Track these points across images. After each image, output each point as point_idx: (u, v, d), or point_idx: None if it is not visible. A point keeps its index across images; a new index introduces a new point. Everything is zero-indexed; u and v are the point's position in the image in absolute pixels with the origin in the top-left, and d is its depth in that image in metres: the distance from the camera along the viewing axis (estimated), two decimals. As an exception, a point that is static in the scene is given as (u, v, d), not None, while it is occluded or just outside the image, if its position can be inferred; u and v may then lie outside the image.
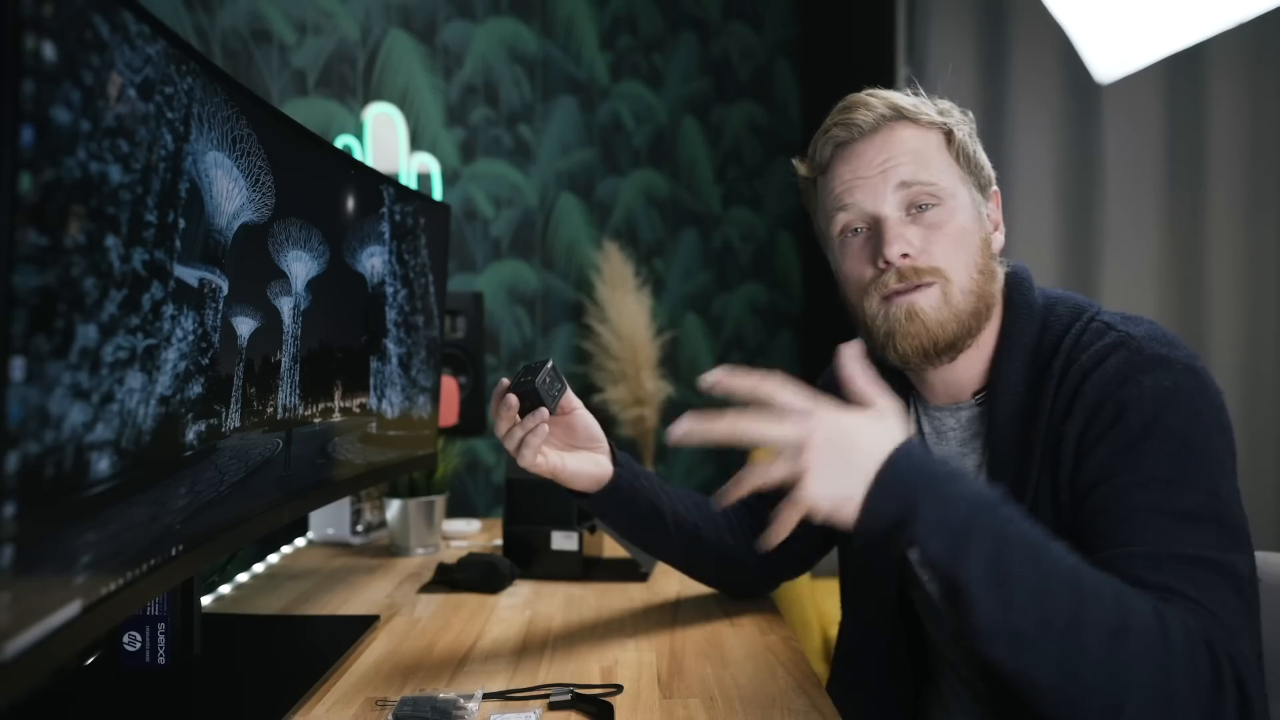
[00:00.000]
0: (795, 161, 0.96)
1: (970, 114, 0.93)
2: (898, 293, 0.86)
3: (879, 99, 0.89)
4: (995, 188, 0.94)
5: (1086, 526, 0.78)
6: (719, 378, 0.69)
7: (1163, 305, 2.45)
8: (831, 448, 0.66)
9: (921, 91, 0.93)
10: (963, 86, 2.56)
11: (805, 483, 0.65)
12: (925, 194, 0.86)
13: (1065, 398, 0.82)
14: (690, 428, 0.68)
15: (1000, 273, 0.92)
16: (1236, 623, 0.69)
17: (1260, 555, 0.99)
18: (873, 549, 0.89)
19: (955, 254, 0.86)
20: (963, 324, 0.87)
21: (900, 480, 0.66)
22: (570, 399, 0.96)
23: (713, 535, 1.08)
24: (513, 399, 0.89)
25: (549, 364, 0.91)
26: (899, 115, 0.89)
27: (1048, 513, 0.82)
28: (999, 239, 0.93)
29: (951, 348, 0.87)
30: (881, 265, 0.86)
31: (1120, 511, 0.75)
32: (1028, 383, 0.87)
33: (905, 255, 0.86)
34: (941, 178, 0.87)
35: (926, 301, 0.86)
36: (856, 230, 0.89)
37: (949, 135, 0.89)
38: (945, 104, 0.92)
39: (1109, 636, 0.63)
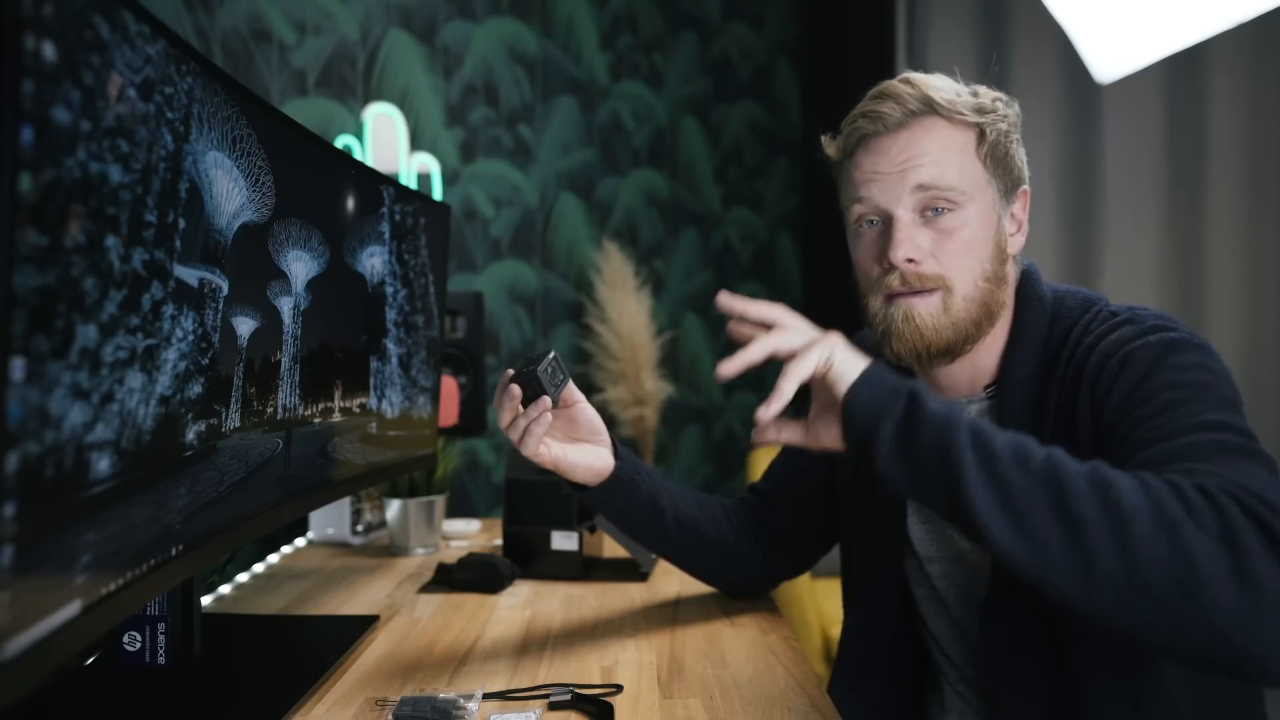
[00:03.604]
0: (824, 139, 0.95)
1: (1016, 105, 0.91)
2: (899, 294, 0.87)
3: (914, 89, 0.87)
4: (1026, 186, 0.92)
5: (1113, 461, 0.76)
6: (729, 300, 0.80)
7: (1163, 305, 2.45)
8: (844, 346, 0.75)
9: (960, 80, 0.90)
10: (963, 86, 2.55)
11: (823, 345, 0.74)
12: (941, 199, 0.86)
13: (1072, 377, 0.84)
14: (732, 364, 0.75)
15: (1014, 275, 0.92)
16: (1257, 478, 0.65)
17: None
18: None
19: (962, 262, 0.86)
20: (960, 332, 0.87)
21: (893, 377, 0.74)
22: (573, 391, 0.96)
23: (713, 533, 1.08)
24: (515, 389, 0.90)
25: (551, 354, 0.92)
26: (931, 110, 0.86)
27: None
28: (1019, 241, 0.92)
29: (946, 353, 0.88)
30: (886, 265, 0.87)
31: (1139, 438, 0.74)
32: (1037, 375, 0.88)
33: (911, 260, 0.86)
34: (962, 182, 0.86)
35: (925, 307, 0.86)
36: (872, 222, 0.89)
37: (981, 134, 0.87)
38: (988, 97, 0.89)
39: (1096, 490, 0.64)
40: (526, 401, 0.90)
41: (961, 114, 0.87)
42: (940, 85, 0.88)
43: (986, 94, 0.89)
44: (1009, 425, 0.86)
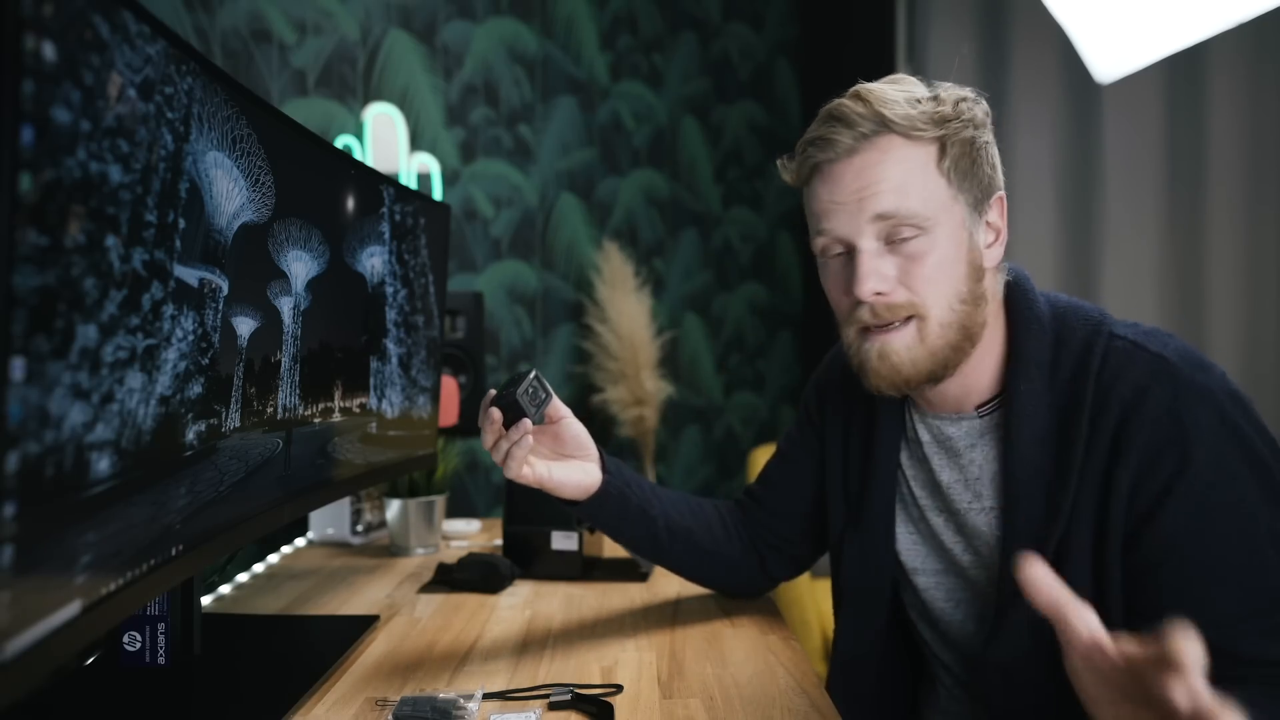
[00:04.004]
0: (781, 162, 0.90)
1: (984, 101, 0.86)
2: (872, 329, 0.85)
3: (867, 108, 0.82)
4: (1000, 193, 0.87)
5: (1165, 589, 0.76)
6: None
7: (1163, 305, 2.45)
8: None
9: (922, 86, 0.85)
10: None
11: None
12: (904, 225, 0.81)
13: (1106, 431, 0.79)
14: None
15: (995, 287, 0.88)
16: None
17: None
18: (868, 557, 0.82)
19: (934, 287, 0.82)
20: (938, 360, 0.84)
21: None
22: (558, 408, 0.96)
23: (707, 540, 1.08)
24: (495, 412, 0.90)
25: (532, 374, 0.92)
26: (885, 128, 0.81)
27: (1086, 545, 0.80)
28: (996, 252, 0.87)
29: (929, 379, 0.86)
30: (855, 298, 0.84)
31: (1202, 577, 0.74)
32: (1051, 405, 0.83)
33: (879, 293, 0.83)
34: (925, 205, 0.81)
35: (900, 342, 0.84)
36: (837, 252, 0.86)
37: (943, 147, 0.82)
38: (950, 100, 0.83)
39: None
40: (508, 423, 0.90)
41: (919, 130, 0.81)
42: (895, 97, 0.82)
43: (950, 95, 0.84)
44: (1021, 458, 0.83)
